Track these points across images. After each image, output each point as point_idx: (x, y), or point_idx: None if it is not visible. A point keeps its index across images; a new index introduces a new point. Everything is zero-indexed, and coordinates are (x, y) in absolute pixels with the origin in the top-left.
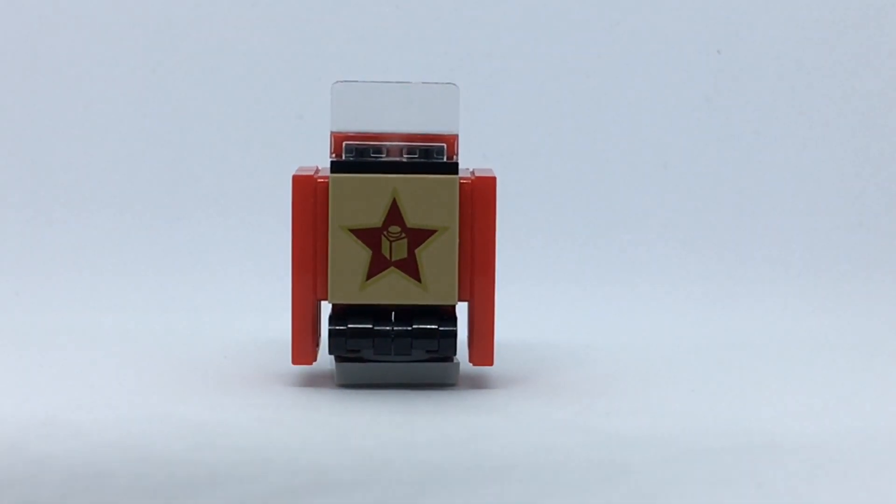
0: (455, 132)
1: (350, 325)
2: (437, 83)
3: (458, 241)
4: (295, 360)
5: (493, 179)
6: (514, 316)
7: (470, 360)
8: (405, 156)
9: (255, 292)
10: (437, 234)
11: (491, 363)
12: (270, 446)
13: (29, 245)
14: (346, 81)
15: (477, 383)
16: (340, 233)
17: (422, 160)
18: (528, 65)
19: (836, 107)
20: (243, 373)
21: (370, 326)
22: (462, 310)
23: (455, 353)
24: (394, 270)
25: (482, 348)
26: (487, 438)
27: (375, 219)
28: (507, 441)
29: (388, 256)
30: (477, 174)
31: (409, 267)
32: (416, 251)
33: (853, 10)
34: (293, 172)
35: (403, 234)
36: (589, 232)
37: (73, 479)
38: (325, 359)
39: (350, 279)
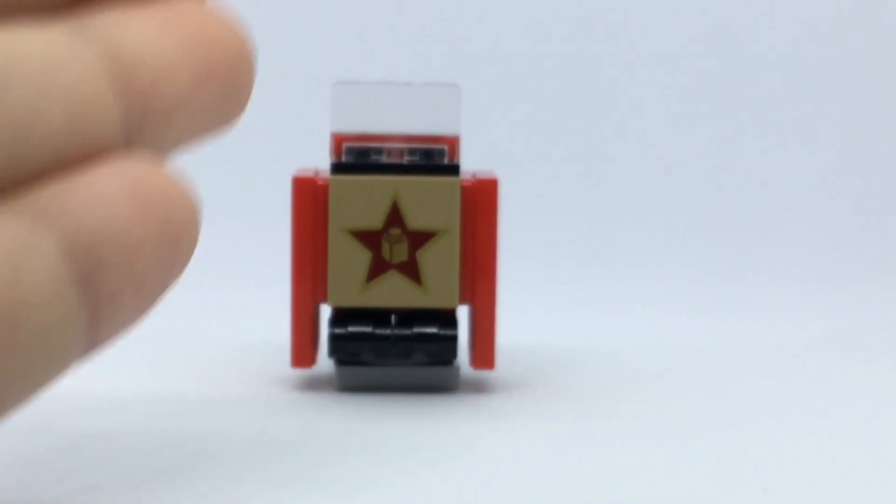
0: (456, 134)
1: (350, 329)
2: (438, 84)
3: (459, 243)
4: (294, 363)
5: (495, 182)
6: (516, 319)
7: (471, 364)
8: (406, 157)
9: (255, 294)
10: (437, 236)
11: (492, 367)
12: (270, 450)
13: None
14: (346, 82)
15: (478, 387)
16: (341, 235)
17: (423, 162)
18: (530, 66)
19: (838, 109)
20: (243, 376)
21: (370, 330)
22: (463, 313)
23: (456, 357)
24: (394, 273)
25: (483, 352)
26: (488, 442)
27: (376, 221)
28: (507, 445)
29: (388, 259)
30: (478, 176)
31: (410, 269)
32: (417, 254)
33: (854, 12)
34: (293, 174)
35: (404, 237)
36: (591, 235)
37: (64, 478)
38: (325, 362)
39: (350, 282)
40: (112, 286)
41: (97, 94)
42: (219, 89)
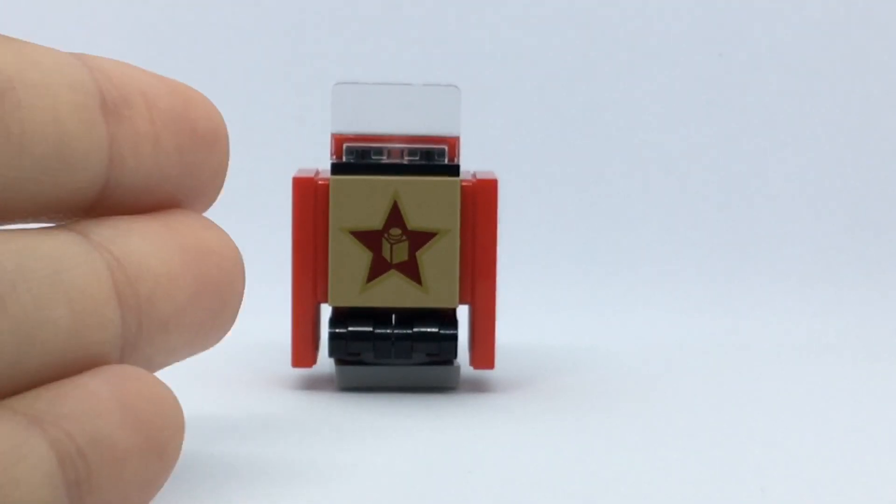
0: (456, 134)
1: (350, 329)
2: (438, 85)
3: (459, 243)
4: (295, 363)
5: (495, 182)
6: (516, 319)
7: (471, 364)
8: (406, 158)
9: (255, 294)
10: (438, 236)
11: (492, 366)
12: (270, 449)
13: None
14: (346, 83)
15: (478, 387)
16: (341, 235)
17: (423, 162)
18: (530, 66)
19: (837, 110)
20: (243, 375)
21: (371, 329)
22: (463, 313)
23: (456, 357)
24: (394, 273)
25: (483, 351)
26: (488, 442)
27: (376, 221)
28: (507, 444)
29: (388, 259)
30: (478, 176)
31: (410, 269)
32: (417, 254)
33: (854, 13)
34: (293, 174)
35: (404, 237)
36: (590, 235)
37: None
38: (325, 362)
39: (350, 282)
40: (98, 496)
41: (102, 300)
42: (210, 304)
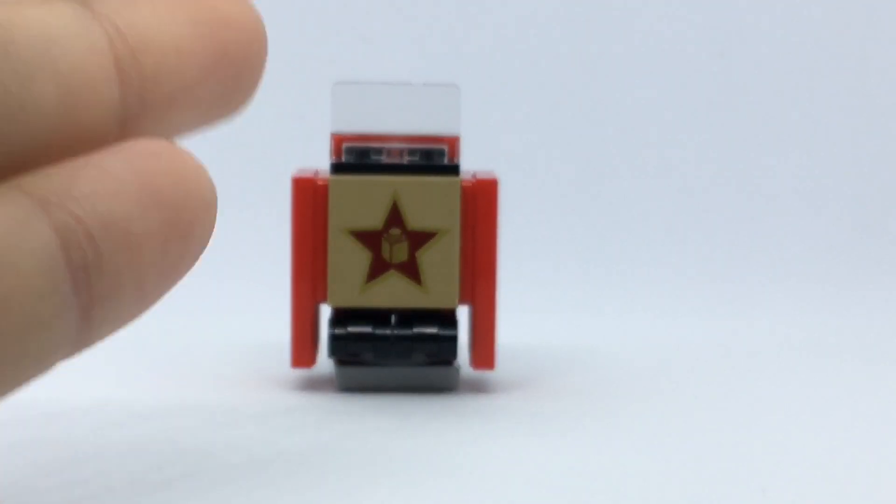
0: (456, 134)
1: (350, 329)
2: (438, 84)
3: (459, 243)
4: (294, 363)
5: (495, 182)
6: (516, 319)
7: (471, 364)
8: (406, 157)
9: (255, 295)
10: (438, 236)
11: (492, 367)
12: (270, 450)
13: None
14: (346, 83)
15: (478, 387)
16: (340, 235)
17: (423, 162)
18: (530, 66)
19: (838, 110)
20: (243, 375)
21: (370, 330)
22: (463, 313)
23: (456, 357)
24: (394, 273)
25: (483, 352)
26: (488, 442)
27: (376, 221)
28: (507, 445)
29: (388, 259)
30: (478, 176)
31: (410, 270)
32: (417, 254)
33: (854, 13)
34: (293, 174)
35: (404, 237)
36: (591, 235)
37: (69, 484)
38: (325, 362)
39: (350, 282)
40: (110, 282)
41: (98, 77)
42: (226, 78)
